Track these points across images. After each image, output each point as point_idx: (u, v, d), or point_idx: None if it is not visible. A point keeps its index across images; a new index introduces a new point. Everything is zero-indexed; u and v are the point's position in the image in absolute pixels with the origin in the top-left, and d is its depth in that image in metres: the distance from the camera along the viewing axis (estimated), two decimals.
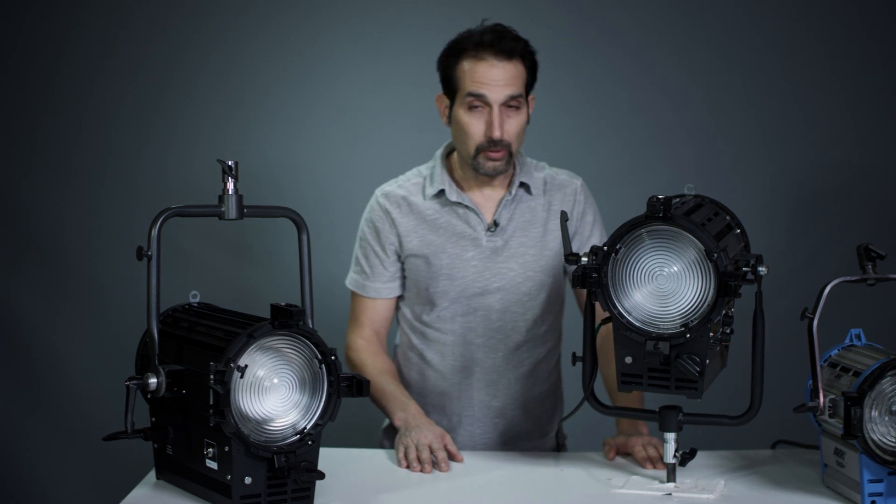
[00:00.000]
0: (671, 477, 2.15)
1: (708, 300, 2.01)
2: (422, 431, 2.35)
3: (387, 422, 2.66)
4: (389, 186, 2.63)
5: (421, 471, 2.27)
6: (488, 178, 2.55)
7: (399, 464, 2.31)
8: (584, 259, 2.09)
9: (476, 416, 2.61)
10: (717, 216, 2.23)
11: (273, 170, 3.69)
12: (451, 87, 2.53)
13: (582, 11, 3.53)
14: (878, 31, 3.74)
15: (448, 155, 2.63)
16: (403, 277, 2.63)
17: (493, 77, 2.45)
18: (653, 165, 3.64)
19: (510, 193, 2.56)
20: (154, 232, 1.97)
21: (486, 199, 2.58)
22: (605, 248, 2.07)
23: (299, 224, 2.13)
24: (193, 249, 3.66)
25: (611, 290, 2.07)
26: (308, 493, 2.00)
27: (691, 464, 2.21)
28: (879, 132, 3.74)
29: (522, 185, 2.58)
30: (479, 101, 2.46)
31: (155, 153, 3.74)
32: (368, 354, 2.60)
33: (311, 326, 2.05)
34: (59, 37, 3.72)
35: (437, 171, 2.59)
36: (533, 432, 2.66)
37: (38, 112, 3.74)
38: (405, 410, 2.46)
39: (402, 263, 2.61)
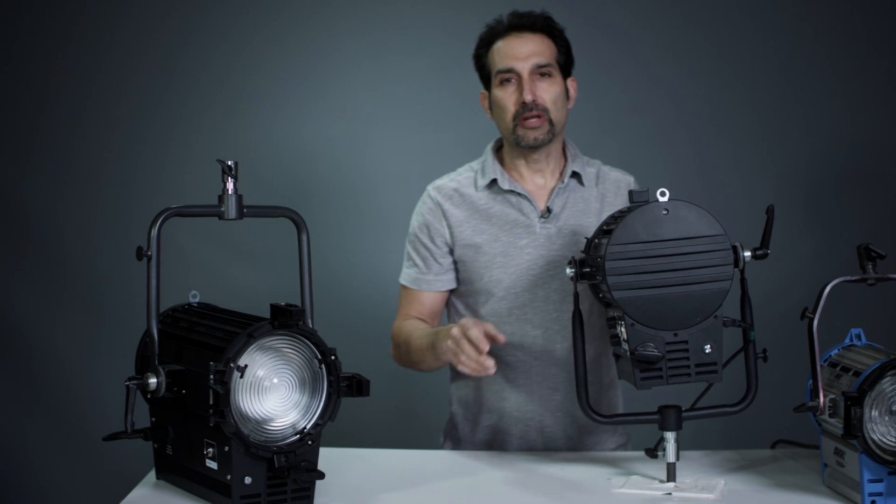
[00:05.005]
0: (671, 477, 2.15)
1: None
2: (449, 332, 2.25)
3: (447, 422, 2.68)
4: (440, 181, 2.62)
5: (475, 369, 2.18)
6: (532, 152, 2.52)
7: (463, 370, 2.22)
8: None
9: (536, 410, 2.54)
10: None
11: (273, 170, 3.68)
12: (486, 76, 2.55)
13: (582, 11, 3.52)
14: (878, 31, 3.74)
15: (499, 149, 2.62)
16: (456, 270, 2.59)
17: (518, 49, 2.48)
18: (653, 165, 3.64)
19: (562, 182, 2.55)
20: (154, 232, 1.97)
21: (539, 188, 2.57)
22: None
23: (299, 224, 2.12)
24: (193, 249, 3.66)
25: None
26: (308, 493, 2.00)
27: (691, 464, 2.21)
28: (880, 132, 3.74)
29: (574, 175, 2.57)
30: (509, 75, 2.48)
31: (154, 153, 3.73)
32: (408, 324, 2.55)
33: (310, 326, 2.05)
34: (57, 36, 3.72)
35: (489, 163, 2.58)
36: (598, 426, 2.56)
37: (37, 112, 3.74)
38: (437, 334, 2.38)
39: (454, 256, 2.57)
